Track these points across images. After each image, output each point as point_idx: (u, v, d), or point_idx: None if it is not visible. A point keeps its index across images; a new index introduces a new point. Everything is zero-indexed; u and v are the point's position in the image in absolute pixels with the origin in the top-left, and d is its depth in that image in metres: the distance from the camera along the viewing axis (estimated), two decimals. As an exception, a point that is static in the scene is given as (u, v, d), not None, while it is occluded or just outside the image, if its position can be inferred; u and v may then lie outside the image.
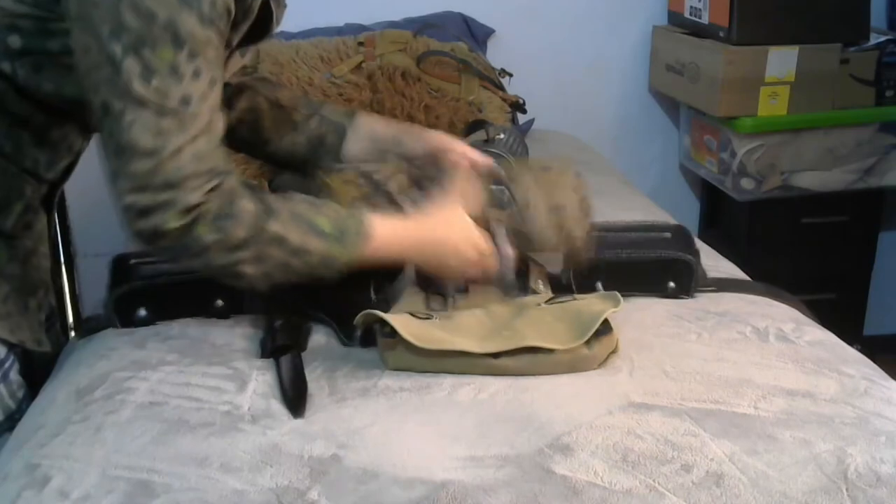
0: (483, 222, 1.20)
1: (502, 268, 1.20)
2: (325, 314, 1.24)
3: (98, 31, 0.96)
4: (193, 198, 0.99)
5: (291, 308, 1.23)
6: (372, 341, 1.16)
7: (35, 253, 1.21)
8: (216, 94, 1.03)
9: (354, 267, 1.10)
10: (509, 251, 1.20)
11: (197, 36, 0.97)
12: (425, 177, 1.24)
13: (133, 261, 1.31)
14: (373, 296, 1.21)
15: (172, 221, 0.99)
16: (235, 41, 1.13)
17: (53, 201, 1.25)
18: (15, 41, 1.07)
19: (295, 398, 1.05)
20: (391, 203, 1.21)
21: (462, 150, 1.30)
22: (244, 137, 1.38)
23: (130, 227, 1.01)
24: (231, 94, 1.35)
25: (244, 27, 1.13)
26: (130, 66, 0.95)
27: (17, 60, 1.08)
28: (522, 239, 1.23)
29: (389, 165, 1.27)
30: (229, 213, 1.02)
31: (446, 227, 1.17)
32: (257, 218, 1.04)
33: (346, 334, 1.20)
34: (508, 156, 1.65)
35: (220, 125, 1.04)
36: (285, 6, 1.24)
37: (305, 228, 1.07)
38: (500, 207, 1.21)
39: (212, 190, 1.01)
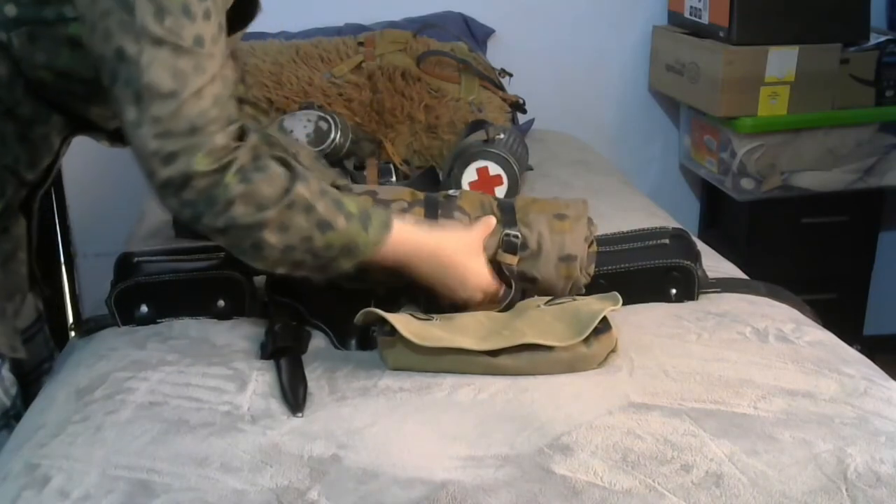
0: (494, 266, 1.22)
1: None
2: (323, 323, 1.24)
3: None
4: (219, 140, 0.99)
5: (292, 313, 1.23)
6: (368, 347, 1.17)
7: (13, 258, 1.20)
8: (224, 40, 1.03)
9: (370, 263, 1.09)
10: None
11: None
12: (443, 213, 1.25)
13: (137, 258, 1.31)
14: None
15: (201, 164, 0.98)
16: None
17: (33, 207, 1.24)
18: (10, 10, 1.07)
19: (295, 395, 1.05)
20: None
21: None
22: None
23: (156, 175, 0.99)
24: None
25: None
26: (143, 6, 0.95)
27: (12, 30, 1.08)
28: (529, 282, 1.25)
29: (407, 194, 1.27)
30: (259, 167, 1.01)
31: (465, 258, 1.18)
32: (286, 179, 1.03)
33: (342, 342, 1.20)
34: (508, 156, 1.66)
35: (230, 72, 1.04)
36: None
37: (333, 204, 1.06)
38: (511, 252, 1.23)
39: (238, 138, 1.01)
